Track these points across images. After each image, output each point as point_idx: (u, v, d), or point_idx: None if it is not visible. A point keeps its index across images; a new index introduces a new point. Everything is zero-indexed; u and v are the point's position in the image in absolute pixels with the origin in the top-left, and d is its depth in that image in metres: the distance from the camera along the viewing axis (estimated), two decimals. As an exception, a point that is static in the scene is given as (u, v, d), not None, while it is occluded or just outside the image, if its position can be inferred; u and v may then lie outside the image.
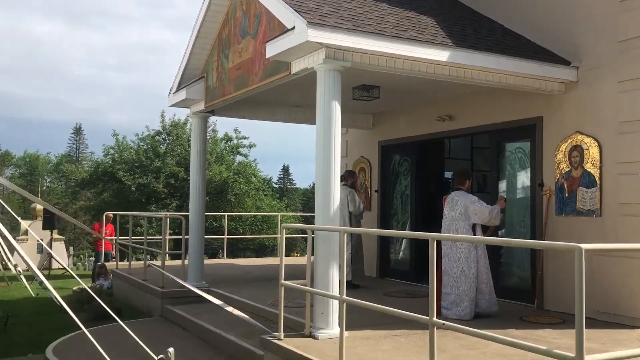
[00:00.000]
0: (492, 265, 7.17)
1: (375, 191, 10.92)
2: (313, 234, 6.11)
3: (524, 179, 8.19)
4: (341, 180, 7.42)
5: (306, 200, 70.90)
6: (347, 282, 6.27)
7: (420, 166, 10.30)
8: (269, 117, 10.49)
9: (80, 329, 4.55)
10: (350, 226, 8.69)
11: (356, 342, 5.54)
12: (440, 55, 6.41)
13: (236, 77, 8.05)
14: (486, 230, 7.23)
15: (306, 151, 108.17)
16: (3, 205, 8.82)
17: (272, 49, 6.38)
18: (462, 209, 6.99)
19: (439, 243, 6.40)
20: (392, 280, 10.23)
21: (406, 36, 6.33)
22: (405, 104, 9.94)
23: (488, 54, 6.74)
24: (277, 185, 75.89)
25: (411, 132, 10.14)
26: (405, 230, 10.24)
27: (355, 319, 5.74)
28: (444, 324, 3.96)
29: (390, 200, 10.77)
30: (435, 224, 7.67)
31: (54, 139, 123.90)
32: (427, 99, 9.33)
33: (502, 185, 8.49)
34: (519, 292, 7.94)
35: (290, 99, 9.61)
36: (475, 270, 6.83)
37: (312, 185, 56.51)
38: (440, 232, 7.03)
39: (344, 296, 4.95)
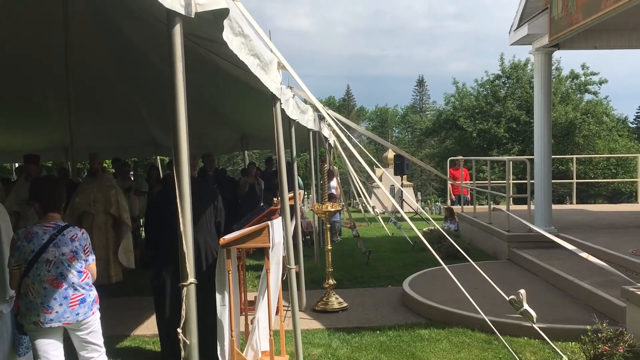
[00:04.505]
0: None
1: None
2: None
3: None
4: None
5: (674, 141, 61.25)
6: None
7: None
8: (624, 45, 9.23)
9: (431, 265, 4.85)
10: None
11: None
12: None
13: (586, 2, 7.24)
14: None
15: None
16: (361, 150, 9.88)
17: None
18: None
19: None
20: None
21: None
22: None
23: None
24: (635, 125, 67.59)
25: None
26: None
27: None
28: None
29: None
30: None
31: (400, 92, 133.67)
32: None
33: None
34: None
35: (653, 20, 8.25)
36: None
37: (680, 122, 48.31)
38: None
39: None
